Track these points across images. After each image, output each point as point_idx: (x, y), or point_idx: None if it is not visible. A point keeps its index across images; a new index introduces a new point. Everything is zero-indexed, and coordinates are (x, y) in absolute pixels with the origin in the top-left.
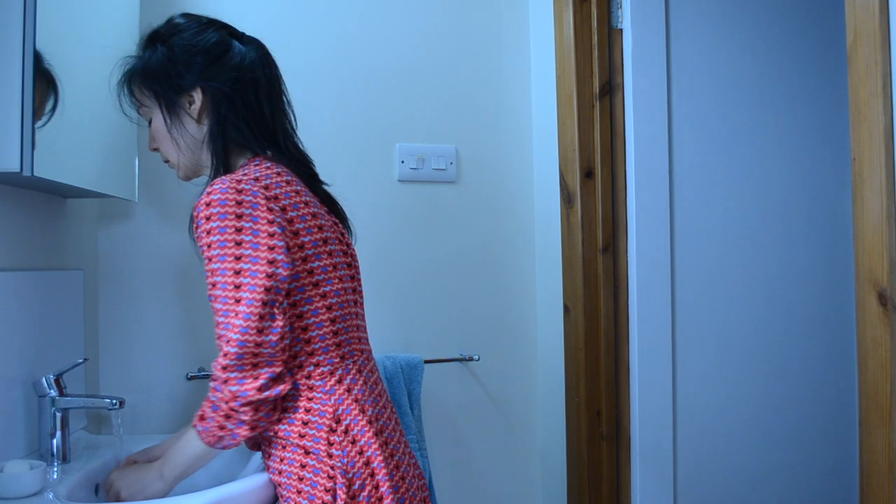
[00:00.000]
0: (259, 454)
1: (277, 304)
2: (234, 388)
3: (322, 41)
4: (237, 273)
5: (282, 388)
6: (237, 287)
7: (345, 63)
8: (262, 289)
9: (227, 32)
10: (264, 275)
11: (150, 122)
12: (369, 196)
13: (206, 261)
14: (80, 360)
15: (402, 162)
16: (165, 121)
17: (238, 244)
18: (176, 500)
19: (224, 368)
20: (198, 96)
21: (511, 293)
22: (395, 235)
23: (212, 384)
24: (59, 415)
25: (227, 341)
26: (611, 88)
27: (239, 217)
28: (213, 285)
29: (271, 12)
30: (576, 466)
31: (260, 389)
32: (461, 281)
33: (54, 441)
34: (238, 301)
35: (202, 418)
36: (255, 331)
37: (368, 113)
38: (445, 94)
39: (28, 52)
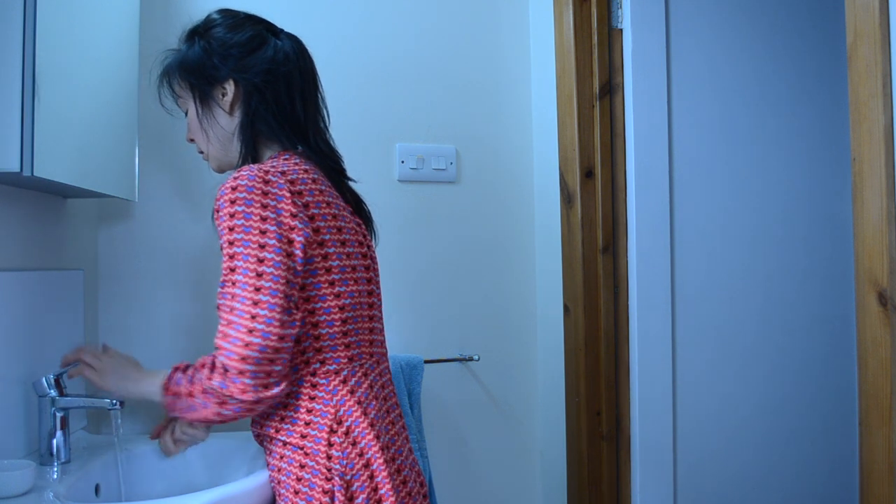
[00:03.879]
0: (259, 454)
1: (294, 297)
2: (248, 382)
3: (322, 41)
4: (260, 261)
5: (285, 385)
6: (259, 275)
7: (345, 63)
8: (284, 280)
9: (264, 27)
10: (285, 266)
11: (186, 114)
12: (369, 196)
13: (227, 244)
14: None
15: (402, 162)
16: (197, 111)
17: (263, 233)
18: (176, 501)
19: (243, 360)
20: (230, 88)
21: (511, 293)
22: (395, 236)
23: (216, 375)
24: (59, 415)
25: (250, 331)
26: (611, 88)
27: (265, 207)
28: (233, 269)
29: (270, 14)
30: (576, 466)
31: (267, 387)
32: (461, 281)
33: (54, 441)
34: (259, 290)
35: (189, 395)
36: (278, 323)
37: (368, 113)
38: (445, 94)
39: (28, 53)
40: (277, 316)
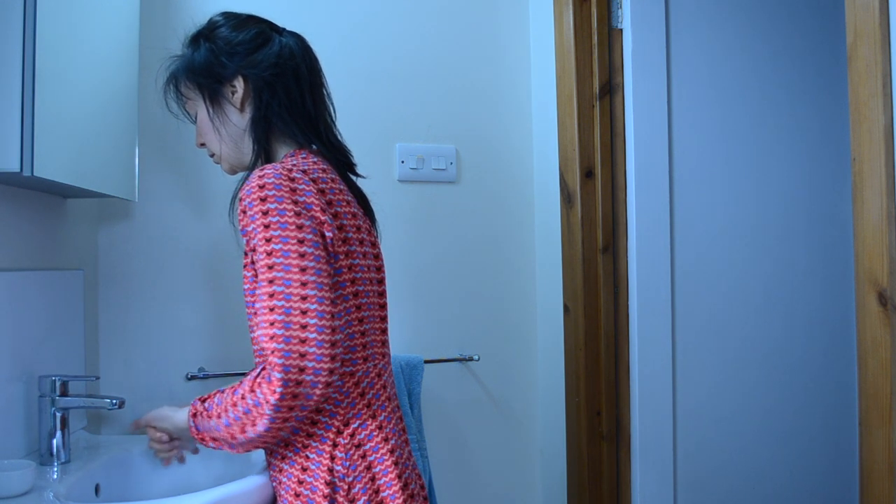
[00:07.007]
0: (259, 454)
1: (334, 290)
2: (308, 378)
3: (322, 42)
4: (301, 256)
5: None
6: (303, 270)
7: (345, 63)
8: (326, 274)
9: (267, 26)
10: (325, 260)
11: (195, 118)
12: (369, 196)
13: (263, 242)
14: (93, 378)
15: (402, 162)
16: (208, 111)
17: (299, 228)
18: (176, 501)
19: (302, 356)
20: (240, 85)
21: (511, 293)
22: (395, 236)
23: (263, 384)
24: (59, 415)
25: (303, 327)
26: (611, 88)
27: (296, 203)
28: (270, 267)
29: (271, 13)
30: (576, 466)
31: (329, 385)
32: (461, 281)
33: (54, 441)
34: (305, 285)
35: (227, 435)
36: (329, 316)
37: (368, 113)
38: (445, 94)
39: (28, 52)
40: (328, 309)
